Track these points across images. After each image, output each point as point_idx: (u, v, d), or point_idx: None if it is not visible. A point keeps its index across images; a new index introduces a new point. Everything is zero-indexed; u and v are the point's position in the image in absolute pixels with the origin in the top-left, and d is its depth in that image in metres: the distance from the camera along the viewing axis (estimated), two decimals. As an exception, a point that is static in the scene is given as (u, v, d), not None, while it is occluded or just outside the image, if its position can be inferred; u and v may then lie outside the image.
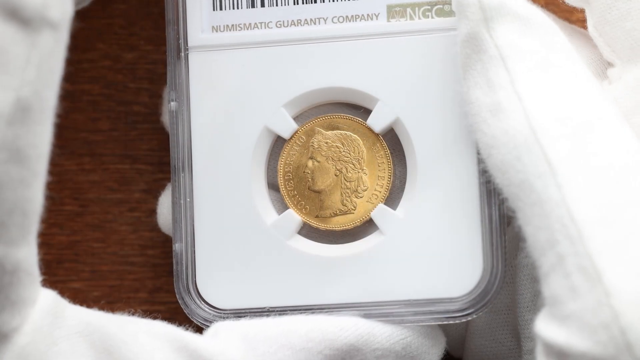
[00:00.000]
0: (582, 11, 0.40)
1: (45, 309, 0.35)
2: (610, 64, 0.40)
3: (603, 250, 0.33)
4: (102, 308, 0.42)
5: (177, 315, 0.45)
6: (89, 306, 0.45)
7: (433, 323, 0.39)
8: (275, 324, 0.38)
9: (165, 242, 0.45)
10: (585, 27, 0.40)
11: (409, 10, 0.40)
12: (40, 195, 0.34)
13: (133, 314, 0.38)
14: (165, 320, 0.39)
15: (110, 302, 0.45)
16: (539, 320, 0.34)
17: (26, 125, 0.33)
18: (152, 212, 0.45)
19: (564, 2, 0.40)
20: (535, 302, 0.39)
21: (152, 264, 0.46)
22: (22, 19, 0.32)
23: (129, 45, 0.46)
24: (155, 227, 0.45)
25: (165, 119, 0.43)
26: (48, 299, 0.36)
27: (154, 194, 0.45)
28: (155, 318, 0.39)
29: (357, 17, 0.40)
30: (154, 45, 0.46)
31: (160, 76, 0.46)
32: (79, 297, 0.45)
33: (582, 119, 0.35)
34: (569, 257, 0.33)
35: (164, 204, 0.42)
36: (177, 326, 0.38)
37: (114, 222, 0.46)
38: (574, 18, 0.45)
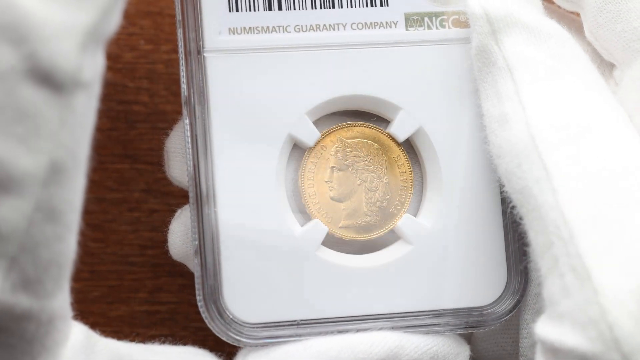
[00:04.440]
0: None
1: (77, 346, 0.35)
2: (613, 66, 0.40)
3: (592, 249, 0.33)
4: (101, 308, 0.42)
5: (177, 315, 0.45)
6: (88, 306, 0.44)
7: (461, 332, 0.39)
8: (304, 349, 0.37)
9: (165, 242, 0.45)
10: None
11: (426, 19, 0.40)
12: (75, 242, 0.33)
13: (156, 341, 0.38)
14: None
15: (110, 302, 0.45)
16: (538, 322, 0.35)
17: (61, 184, 0.31)
18: (152, 212, 0.45)
19: (560, 7, 0.41)
20: (535, 304, 0.40)
21: (152, 264, 0.45)
22: (55, 84, 0.30)
23: (129, 45, 0.45)
24: (155, 227, 0.45)
25: (175, 172, 0.41)
26: (79, 334, 0.35)
27: (154, 194, 0.45)
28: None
29: (376, 24, 0.39)
30: (154, 45, 0.46)
31: (160, 76, 0.45)
32: (78, 297, 0.44)
33: (583, 125, 0.36)
34: (562, 258, 0.34)
35: (176, 232, 0.40)
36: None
37: (114, 222, 0.45)
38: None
